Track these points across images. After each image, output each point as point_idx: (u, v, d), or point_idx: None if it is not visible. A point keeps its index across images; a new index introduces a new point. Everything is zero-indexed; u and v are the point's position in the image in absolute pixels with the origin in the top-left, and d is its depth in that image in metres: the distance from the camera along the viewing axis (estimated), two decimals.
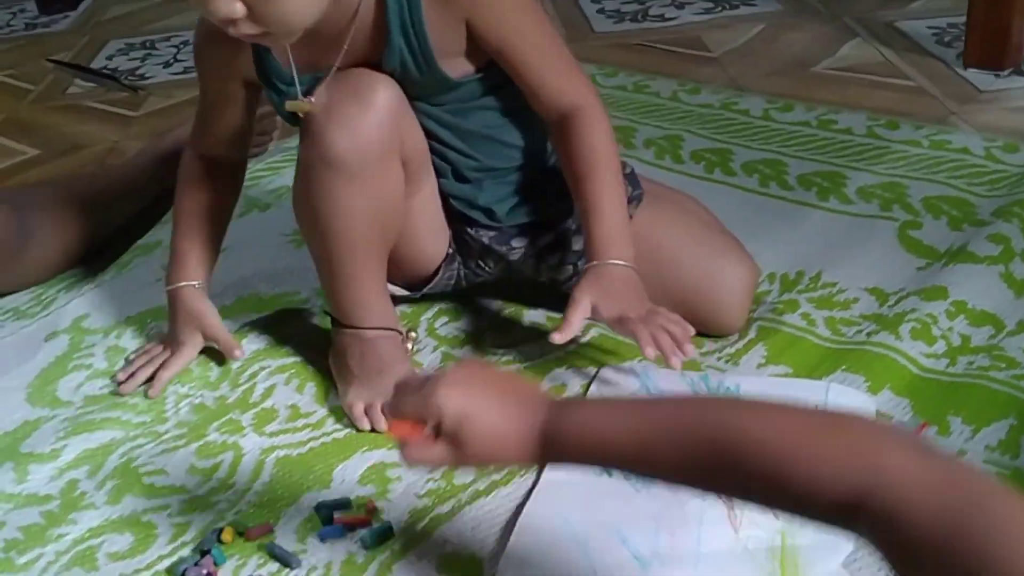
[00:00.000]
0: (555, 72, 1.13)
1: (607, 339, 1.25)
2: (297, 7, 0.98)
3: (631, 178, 1.25)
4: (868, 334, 1.20)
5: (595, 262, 1.11)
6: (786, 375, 1.16)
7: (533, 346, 1.27)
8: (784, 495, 0.64)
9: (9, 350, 1.35)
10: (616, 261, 1.10)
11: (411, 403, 0.79)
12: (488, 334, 1.30)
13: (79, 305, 1.42)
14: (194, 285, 1.25)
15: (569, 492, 1.02)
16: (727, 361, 1.20)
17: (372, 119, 1.08)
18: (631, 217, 1.19)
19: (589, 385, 1.18)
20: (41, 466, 1.14)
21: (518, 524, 0.99)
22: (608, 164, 1.14)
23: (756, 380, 1.15)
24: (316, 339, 1.30)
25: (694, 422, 0.69)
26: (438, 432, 0.76)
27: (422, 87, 1.13)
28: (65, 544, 1.04)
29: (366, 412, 1.16)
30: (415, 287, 1.29)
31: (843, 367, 1.15)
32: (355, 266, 1.15)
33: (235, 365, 1.28)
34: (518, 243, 1.25)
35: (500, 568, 0.95)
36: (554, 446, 0.74)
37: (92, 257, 1.54)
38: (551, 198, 1.23)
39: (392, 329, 1.19)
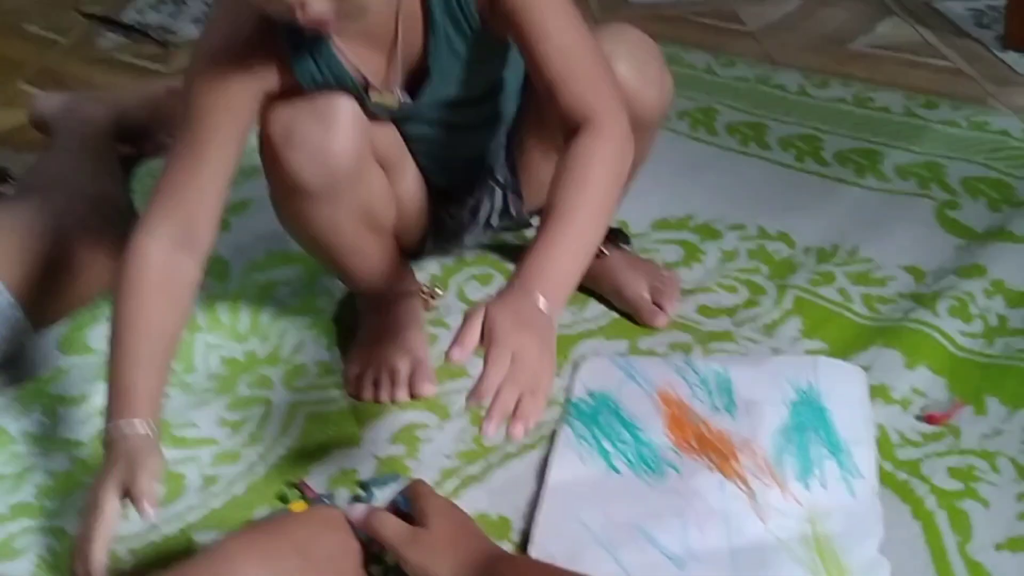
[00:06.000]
0: (578, 74, 0.95)
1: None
2: None
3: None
4: (905, 312, 1.19)
5: (516, 287, 0.88)
6: (822, 351, 1.15)
7: (564, 313, 1.25)
8: None
9: None
10: (534, 296, 0.87)
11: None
12: None
13: None
14: (146, 423, 0.94)
15: (579, 494, 0.99)
16: (761, 332, 1.19)
17: (336, 140, 1.01)
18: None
19: (574, 375, 1.15)
20: (68, 410, 1.14)
21: (534, 534, 0.95)
22: (592, 187, 0.93)
23: (743, 361, 1.14)
24: (347, 296, 1.30)
25: None
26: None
27: (451, 85, 1.04)
28: None
29: (356, 379, 1.16)
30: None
31: (879, 343, 1.14)
32: (353, 259, 1.16)
33: (264, 319, 1.28)
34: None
35: None
36: None
37: None
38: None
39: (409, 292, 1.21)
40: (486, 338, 0.83)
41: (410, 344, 1.18)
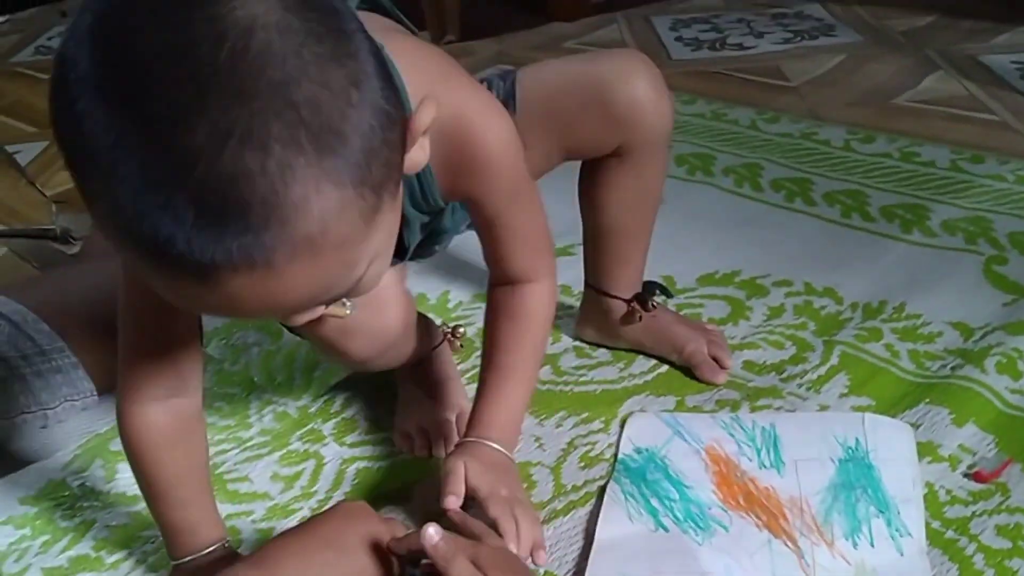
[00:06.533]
0: (525, 256, 1.01)
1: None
2: (376, 277, 0.72)
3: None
4: (952, 368, 1.19)
5: (472, 438, 1.01)
6: (869, 407, 1.15)
7: (611, 369, 1.27)
8: None
9: None
10: (494, 444, 1.01)
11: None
12: (566, 355, 1.31)
13: None
14: (223, 543, 0.98)
15: (627, 551, 0.99)
16: (808, 388, 1.19)
17: (391, 318, 1.03)
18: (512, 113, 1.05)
19: (622, 431, 1.16)
20: (127, 465, 1.16)
21: None
22: (532, 343, 1.05)
23: (790, 418, 1.14)
24: None
25: None
26: None
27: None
28: (153, 546, 1.06)
29: (408, 437, 1.18)
30: None
31: (927, 400, 1.14)
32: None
33: (316, 375, 1.31)
34: None
35: None
36: None
37: None
38: None
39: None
40: (476, 494, 0.96)
41: (453, 397, 1.20)
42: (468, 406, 1.18)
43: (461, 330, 1.27)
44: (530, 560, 0.94)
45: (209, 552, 0.96)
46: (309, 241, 0.59)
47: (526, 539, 0.93)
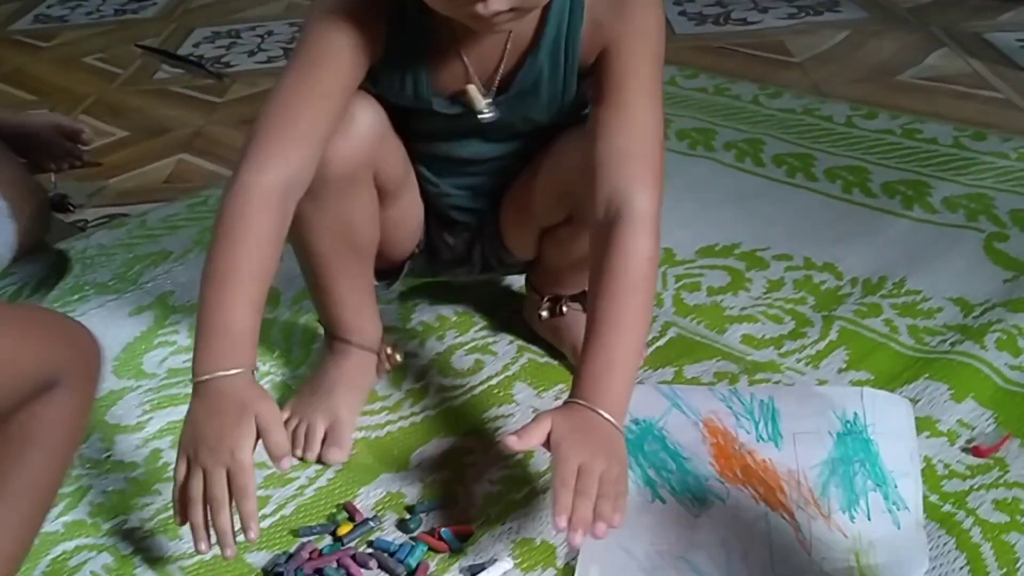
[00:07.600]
0: (628, 158, 0.98)
1: (686, 340, 1.25)
2: None
3: None
4: (952, 344, 1.19)
5: (579, 400, 0.94)
6: (867, 381, 1.15)
7: None
8: None
9: (95, 321, 1.38)
10: (600, 410, 0.93)
11: None
12: None
13: (164, 282, 1.46)
14: (251, 372, 0.94)
15: (624, 523, 0.95)
16: (807, 363, 1.19)
17: (346, 146, 1.03)
18: None
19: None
20: (124, 436, 1.17)
21: (578, 561, 0.95)
22: (645, 293, 0.97)
23: (789, 392, 1.14)
24: (390, 325, 1.32)
25: None
26: None
27: (513, 118, 1.08)
28: (149, 512, 1.06)
29: (293, 431, 1.13)
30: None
31: (926, 375, 1.14)
32: (326, 279, 1.15)
33: (314, 346, 1.30)
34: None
35: None
36: None
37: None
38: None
39: (365, 348, 1.19)
40: (552, 451, 0.90)
41: (338, 402, 1.16)
42: (348, 422, 1.15)
43: (400, 359, 1.23)
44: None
45: (232, 374, 0.92)
46: None
47: (582, 515, 0.86)
